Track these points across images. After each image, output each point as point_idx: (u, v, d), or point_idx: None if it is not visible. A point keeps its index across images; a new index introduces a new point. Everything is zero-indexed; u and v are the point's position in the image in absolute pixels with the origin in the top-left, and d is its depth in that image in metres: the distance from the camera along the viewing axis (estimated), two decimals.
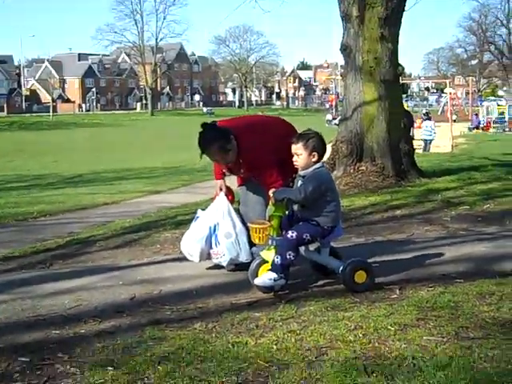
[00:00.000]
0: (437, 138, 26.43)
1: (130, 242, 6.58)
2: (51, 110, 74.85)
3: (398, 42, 10.27)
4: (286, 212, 4.64)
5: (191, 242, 5.11)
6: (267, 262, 4.53)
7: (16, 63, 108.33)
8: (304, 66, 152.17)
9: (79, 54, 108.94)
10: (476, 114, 46.72)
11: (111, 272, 5.30)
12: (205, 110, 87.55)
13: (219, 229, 5.02)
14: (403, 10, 10.27)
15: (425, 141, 25.50)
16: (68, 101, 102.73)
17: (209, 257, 5.12)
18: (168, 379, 3.09)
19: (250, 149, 4.89)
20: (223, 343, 3.54)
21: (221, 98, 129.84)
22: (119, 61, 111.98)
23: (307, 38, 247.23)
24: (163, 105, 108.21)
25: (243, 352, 3.41)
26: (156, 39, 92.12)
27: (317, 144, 4.52)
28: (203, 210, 5.27)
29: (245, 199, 5.26)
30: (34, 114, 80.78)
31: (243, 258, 5.00)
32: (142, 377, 3.13)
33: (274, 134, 5.06)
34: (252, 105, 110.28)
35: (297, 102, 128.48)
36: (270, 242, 4.54)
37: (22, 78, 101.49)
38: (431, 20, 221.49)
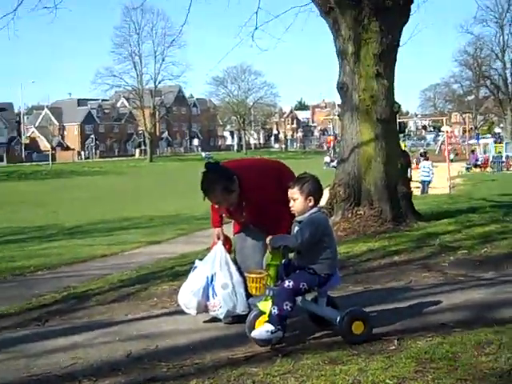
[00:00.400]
0: (434, 179, 26.51)
1: (127, 295, 6.54)
2: (50, 159, 75.26)
3: (393, 78, 10.34)
4: (283, 260, 4.60)
5: (188, 294, 5.05)
6: (264, 313, 4.47)
7: (16, 110, 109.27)
8: (302, 106, 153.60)
9: (78, 100, 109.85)
10: (473, 151, 47.04)
11: (107, 328, 5.25)
12: (203, 154, 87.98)
13: (216, 279, 4.98)
14: (398, 46, 10.36)
15: (423, 182, 25.52)
16: (67, 148, 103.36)
17: (206, 309, 5.06)
18: None
19: (254, 189, 4.87)
20: None
21: (219, 142, 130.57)
22: (118, 105, 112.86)
23: (304, 76, 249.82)
24: (162, 150, 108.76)
25: None
26: (155, 82, 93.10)
27: (313, 188, 4.51)
28: (201, 259, 5.23)
29: (241, 246, 5.20)
30: (33, 163, 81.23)
31: (240, 309, 4.95)
32: None
33: (275, 176, 5.06)
34: (250, 148, 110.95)
35: (295, 143, 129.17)
36: (267, 292, 4.48)
37: (21, 125, 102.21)
38: (427, 56, 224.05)
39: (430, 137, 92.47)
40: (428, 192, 24.67)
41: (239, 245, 5.24)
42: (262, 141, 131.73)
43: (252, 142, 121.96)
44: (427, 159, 28.03)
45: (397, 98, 10.40)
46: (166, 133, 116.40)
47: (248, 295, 4.88)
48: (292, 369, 3.95)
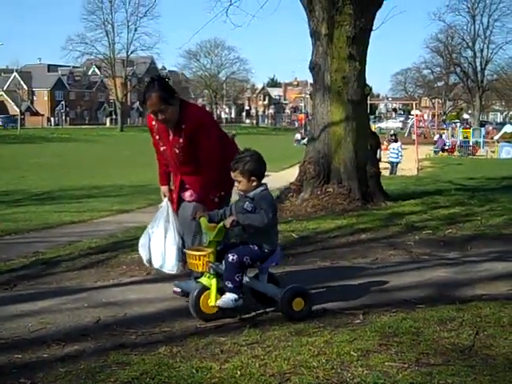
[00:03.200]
0: (403, 161, 26.74)
1: (96, 262, 6.56)
2: (19, 124, 74.04)
3: (365, 61, 10.44)
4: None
5: (140, 246, 5.21)
6: (208, 288, 4.49)
7: None
8: (274, 83, 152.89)
9: (49, 65, 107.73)
10: (440, 136, 47.52)
11: (76, 294, 5.28)
12: None
13: (152, 237, 5.12)
14: (371, 30, 10.43)
15: (391, 163, 25.73)
16: (37, 114, 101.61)
17: (150, 262, 5.18)
18: None
19: (200, 117, 4.91)
20: (187, 368, 3.55)
21: None
22: (89, 73, 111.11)
23: (277, 54, 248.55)
24: (133, 120, 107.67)
25: (207, 377, 3.42)
26: (127, 52, 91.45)
27: (253, 167, 4.48)
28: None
29: (182, 217, 5.17)
30: (1, 127, 79.82)
31: (167, 268, 5.07)
32: None
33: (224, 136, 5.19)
34: (222, 122, 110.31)
35: (266, 120, 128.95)
36: (209, 269, 4.50)
37: None
38: (399, 40, 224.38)
39: (399, 119, 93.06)
40: (396, 173, 24.87)
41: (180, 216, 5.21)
42: (233, 115, 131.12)
43: (223, 116, 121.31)
44: (396, 141, 28.19)
45: (368, 81, 10.54)
46: (138, 103, 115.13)
47: (182, 254, 4.98)
48: (259, 339, 4.03)
